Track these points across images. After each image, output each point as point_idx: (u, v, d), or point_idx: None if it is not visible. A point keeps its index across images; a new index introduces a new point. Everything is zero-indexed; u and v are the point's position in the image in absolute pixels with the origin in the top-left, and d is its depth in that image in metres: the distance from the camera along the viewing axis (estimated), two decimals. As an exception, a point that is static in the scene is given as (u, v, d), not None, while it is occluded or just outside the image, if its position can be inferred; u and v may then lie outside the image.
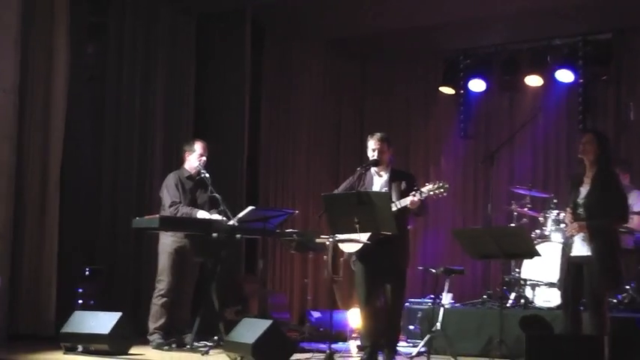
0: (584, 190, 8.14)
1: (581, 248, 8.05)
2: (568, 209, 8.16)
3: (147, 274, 10.75)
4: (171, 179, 9.97)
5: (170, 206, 9.81)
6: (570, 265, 8.09)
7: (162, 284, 9.75)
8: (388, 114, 14.35)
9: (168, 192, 9.88)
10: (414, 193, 8.40)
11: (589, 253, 7.96)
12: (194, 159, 10.01)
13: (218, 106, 12.61)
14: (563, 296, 8.38)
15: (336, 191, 8.90)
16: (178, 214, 9.72)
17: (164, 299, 9.72)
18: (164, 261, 9.80)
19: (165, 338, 9.66)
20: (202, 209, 9.88)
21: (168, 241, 9.81)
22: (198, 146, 10.04)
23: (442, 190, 8.35)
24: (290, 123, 13.39)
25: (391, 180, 8.73)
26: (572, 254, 8.10)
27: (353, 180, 8.84)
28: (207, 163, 10.03)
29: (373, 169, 8.81)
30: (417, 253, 12.48)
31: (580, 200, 8.12)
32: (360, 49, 14.06)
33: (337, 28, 13.32)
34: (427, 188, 8.37)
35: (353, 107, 14.60)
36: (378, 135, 8.86)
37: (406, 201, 8.39)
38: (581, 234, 8.03)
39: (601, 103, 12.91)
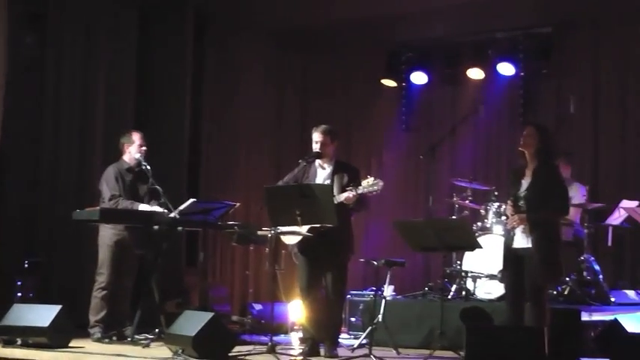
0: (525, 183, 8.17)
1: (521, 241, 8.07)
2: (509, 202, 8.19)
3: (87, 266, 10.63)
4: (110, 172, 9.86)
5: (110, 199, 9.71)
6: (512, 257, 8.13)
7: (102, 277, 9.66)
8: (330, 106, 14.32)
9: (108, 185, 9.77)
10: (350, 188, 8.44)
11: (530, 245, 7.99)
12: (134, 150, 9.91)
13: (159, 97, 12.54)
14: (505, 288, 8.43)
15: (280, 183, 8.89)
16: (119, 208, 9.64)
17: (104, 292, 9.63)
18: (104, 254, 9.71)
19: (106, 331, 9.58)
20: (143, 201, 9.81)
21: (107, 234, 9.72)
22: (136, 137, 9.94)
23: (376, 188, 8.35)
24: (232, 115, 13.33)
25: (334, 173, 8.74)
26: (513, 246, 8.13)
27: (297, 172, 8.86)
28: (148, 154, 9.94)
29: (317, 162, 8.82)
30: (358, 245, 12.47)
31: (521, 193, 8.14)
32: (303, 40, 14.01)
33: (280, 20, 13.27)
34: (362, 185, 8.39)
35: (295, 99, 14.56)
36: (321, 127, 8.88)
37: (341, 197, 8.42)
38: (522, 226, 8.06)
39: (541, 96, 13.02)
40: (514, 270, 8.08)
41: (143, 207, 9.69)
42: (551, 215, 8.12)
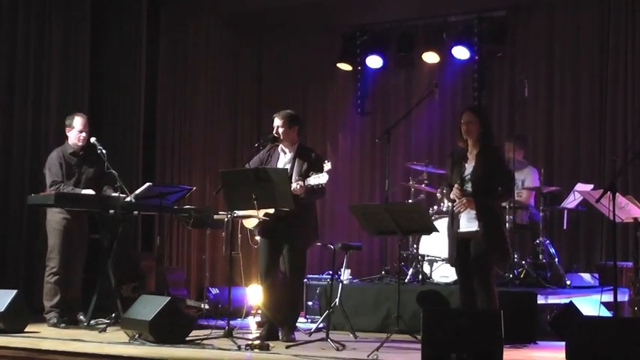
0: (469, 167, 8.18)
1: (467, 224, 8.10)
2: (456, 185, 8.19)
3: (41, 251, 10.56)
4: (54, 157, 9.75)
5: (50, 186, 9.62)
6: (458, 241, 8.16)
7: (53, 262, 9.59)
8: (285, 90, 14.32)
9: (50, 171, 9.68)
10: (297, 178, 8.49)
11: (476, 229, 8.02)
12: (73, 136, 9.79)
13: (114, 81, 12.49)
14: (456, 272, 8.47)
15: (247, 165, 8.86)
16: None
17: (56, 277, 9.57)
18: (54, 238, 9.63)
19: (62, 316, 9.53)
20: (88, 184, 9.72)
21: (56, 218, 9.62)
22: (78, 122, 9.79)
23: (322, 181, 8.33)
24: (187, 99, 13.25)
25: (295, 158, 8.73)
26: (459, 230, 8.16)
27: (262, 155, 8.88)
28: (86, 139, 9.76)
29: (281, 146, 8.81)
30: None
31: (467, 176, 8.16)
32: (257, 24, 13.97)
33: (233, 3, 13.23)
34: (309, 178, 8.38)
35: (250, 83, 14.53)
36: (281, 113, 8.91)
37: (291, 187, 8.41)
38: (468, 210, 8.09)
39: (496, 79, 13.10)
40: (461, 254, 8.12)
41: (85, 192, 9.62)
42: (497, 198, 8.19)
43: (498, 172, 8.14)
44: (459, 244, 8.13)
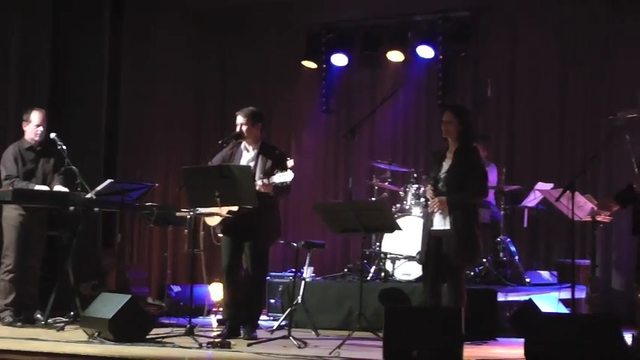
0: (446, 165, 8.23)
1: (440, 222, 8.14)
2: (429, 185, 8.23)
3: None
4: (9, 152, 9.70)
5: (5, 180, 9.57)
6: (430, 239, 8.18)
7: (8, 259, 9.52)
8: (250, 88, 14.25)
9: (4, 165, 9.63)
10: (261, 176, 8.51)
11: (448, 227, 8.06)
12: (30, 130, 9.73)
13: (76, 77, 12.35)
14: (423, 270, 8.48)
15: (209, 163, 8.84)
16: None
17: (12, 275, 9.49)
18: (10, 235, 9.56)
19: (17, 315, 9.43)
20: (45, 179, 9.67)
21: (12, 215, 9.55)
22: (35, 116, 9.74)
23: (287, 179, 8.33)
24: (150, 95, 13.18)
25: (259, 155, 8.73)
26: (432, 228, 8.18)
27: (224, 153, 8.87)
28: (44, 134, 9.71)
29: (243, 144, 8.80)
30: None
31: (441, 175, 8.20)
32: (221, 21, 13.92)
33: (197, 1, 13.20)
34: (274, 176, 8.36)
35: (214, 81, 14.45)
36: (244, 110, 8.91)
37: (256, 185, 8.40)
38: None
39: (460, 79, 13.10)
40: (433, 252, 8.14)
41: (39, 188, 9.55)
42: (470, 197, 8.19)
43: (473, 171, 8.18)
44: (432, 243, 8.17)
